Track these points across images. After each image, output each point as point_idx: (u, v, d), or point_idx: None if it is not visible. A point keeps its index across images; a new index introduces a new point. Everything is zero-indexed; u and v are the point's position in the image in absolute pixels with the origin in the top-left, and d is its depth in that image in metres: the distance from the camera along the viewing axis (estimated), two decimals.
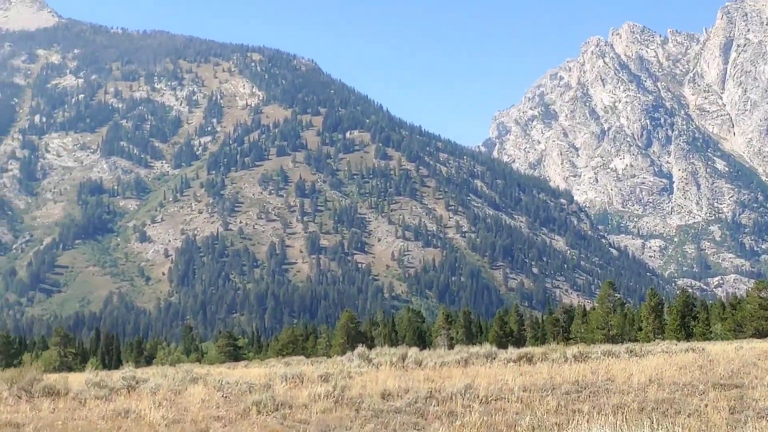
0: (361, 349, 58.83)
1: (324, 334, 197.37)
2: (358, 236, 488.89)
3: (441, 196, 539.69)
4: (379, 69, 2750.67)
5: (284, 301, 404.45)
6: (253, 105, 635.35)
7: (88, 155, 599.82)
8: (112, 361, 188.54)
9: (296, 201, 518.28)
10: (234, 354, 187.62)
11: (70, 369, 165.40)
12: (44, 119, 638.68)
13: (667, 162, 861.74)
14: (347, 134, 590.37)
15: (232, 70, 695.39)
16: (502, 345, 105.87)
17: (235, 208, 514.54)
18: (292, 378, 40.35)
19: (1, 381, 38.96)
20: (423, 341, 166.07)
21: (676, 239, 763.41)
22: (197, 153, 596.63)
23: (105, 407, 31.19)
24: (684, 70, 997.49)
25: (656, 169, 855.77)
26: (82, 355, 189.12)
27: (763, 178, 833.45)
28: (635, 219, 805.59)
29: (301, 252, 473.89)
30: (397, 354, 54.05)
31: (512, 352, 54.89)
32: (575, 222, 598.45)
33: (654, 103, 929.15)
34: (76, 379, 46.01)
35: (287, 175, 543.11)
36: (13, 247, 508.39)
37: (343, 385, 34.10)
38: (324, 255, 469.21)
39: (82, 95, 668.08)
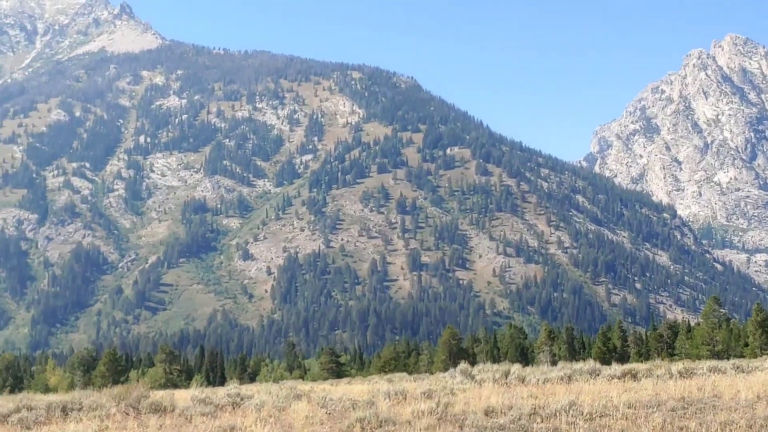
0: (463, 365, 58.58)
1: (426, 350, 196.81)
2: (459, 252, 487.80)
3: (542, 212, 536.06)
4: (479, 85, 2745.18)
5: (386, 317, 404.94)
6: (353, 123, 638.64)
7: (191, 174, 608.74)
8: (216, 378, 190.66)
9: (397, 218, 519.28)
10: (336, 371, 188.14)
11: (175, 386, 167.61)
12: (149, 140, 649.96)
13: None
14: (447, 150, 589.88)
15: (333, 88, 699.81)
16: (605, 361, 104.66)
17: (337, 226, 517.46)
18: (395, 395, 40.36)
19: (109, 397, 39.72)
20: (525, 358, 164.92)
21: None
22: (299, 171, 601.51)
23: (210, 424, 31.56)
24: None
25: (761, 183, 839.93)
26: (187, 372, 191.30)
27: None
28: (740, 233, 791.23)
29: (403, 269, 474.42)
30: (499, 370, 53.74)
31: (616, 368, 54.17)
32: (678, 237, 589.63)
33: (758, 116, 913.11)
34: (181, 396, 46.66)
35: (388, 192, 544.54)
36: (119, 265, 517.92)
37: (446, 401, 34.05)
38: (425, 271, 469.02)
39: (186, 115, 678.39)
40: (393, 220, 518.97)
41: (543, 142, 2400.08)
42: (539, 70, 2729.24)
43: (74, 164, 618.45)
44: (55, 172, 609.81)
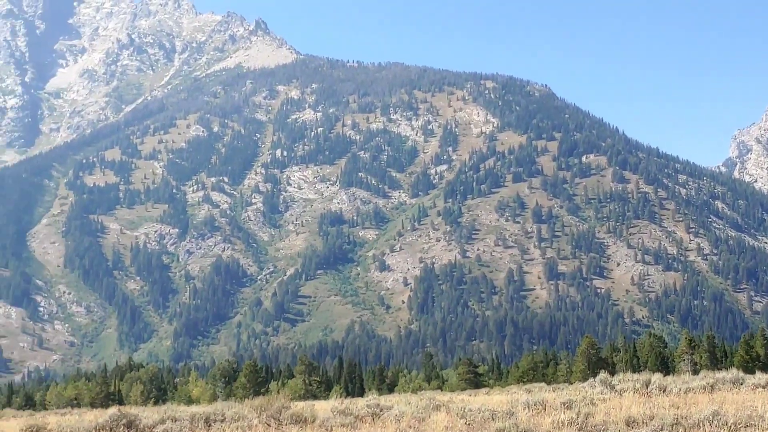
0: (603, 375, 58.09)
1: (564, 360, 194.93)
2: (597, 261, 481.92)
3: (681, 219, 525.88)
4: (614, 92, 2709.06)
5: (523, 327, 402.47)
6: (487, 132, 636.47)
7: (327, 187, 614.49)
8: (355, 389, 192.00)
9: (533, 227, 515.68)
10: (474, 381, 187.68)
11: (315, 397, 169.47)
12: (285, 153, 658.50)
13: None
14: (583, 158, 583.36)
15: (467, 98, 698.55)
16: (748, 370, 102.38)
17: (473, 236, 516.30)
18: (534, 405, 40.30)
19: (250, 409, 40.54)
20: (665, 367, 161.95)
21: None
22: (434, 182, 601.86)
23: None
24: None
25: None
26: (326, 383, 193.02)
27: None
28: None
29: (540, 278, 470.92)
30: (640, 380, 53.15)
31: (760, 377, 53.09)
32: None
33: None
34: (321, 407, 47.28)
35: (523, 201, 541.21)
36: (258, 278, 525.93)
37: (586, 412, 33.89)
38: (562, 281, 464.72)
39: (321, 128, 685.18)
40: (529, 230, 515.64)
41: (680, 148, 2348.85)
42: (674, 75, 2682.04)
43: (213, 179, 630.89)
44: (195, 186, 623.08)
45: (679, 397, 43.51)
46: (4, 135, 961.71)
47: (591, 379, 59.81)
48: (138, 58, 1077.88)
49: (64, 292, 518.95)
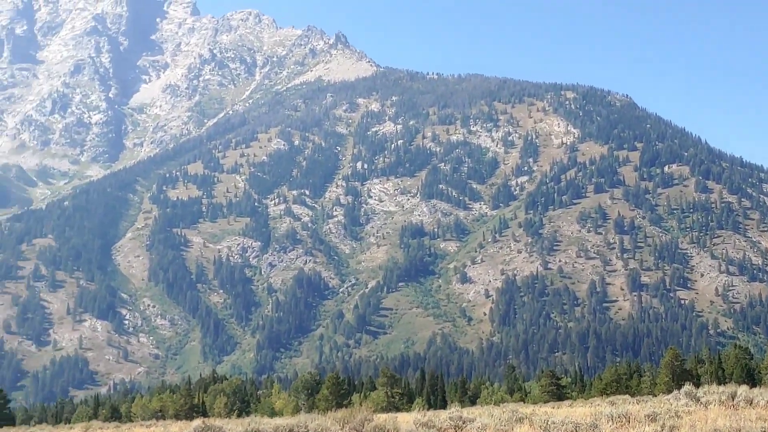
0: (687, 387, 57.63)
1: (648, 372, 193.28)
2: (680, 272, 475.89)
3: (765, 229, 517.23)
4: (695, 101, 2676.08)
5: (606, 339, 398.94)
6: (568, 143, 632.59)
7: (408, 199, 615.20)
8: (437, 401, 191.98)
9: (615, 238, 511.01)
10: (557, 393, 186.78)
11: (397, 409, 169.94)
12: (366, 166, 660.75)
13: None
14: (665, 168, 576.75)
15: (547, 109, 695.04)
16: None
17: (554, 247, 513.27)
18: (618, 417, 40.20)
19: (333, 421, 40.99)
20: (752, 379, 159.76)
21: None
22: (514, 193, 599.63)
23: None
24: None
25: None
26: (409, 395, 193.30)
27: None
28: None
29: (622, 289, 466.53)
30: (725, 392, 52.66)
31: None
32: None
33: None
34: (404, 419, 47.54)
35: (605, 212, 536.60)
36: (340, 290, 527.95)
37: (671, 424, 33.79)
38: (645, 292, 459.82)
39: (401, 141, 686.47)
40: (611, 241, 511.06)
41: (764, 157, 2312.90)
42: (758, 83, 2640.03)
43: (294, 192, 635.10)
44: (277, 200, 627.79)
45: (767, 410, 43.03)
46: (89, 150, 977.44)
47: (675, 391, 59.33)
48: (219, 73, 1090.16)
49: (149, 305, 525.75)
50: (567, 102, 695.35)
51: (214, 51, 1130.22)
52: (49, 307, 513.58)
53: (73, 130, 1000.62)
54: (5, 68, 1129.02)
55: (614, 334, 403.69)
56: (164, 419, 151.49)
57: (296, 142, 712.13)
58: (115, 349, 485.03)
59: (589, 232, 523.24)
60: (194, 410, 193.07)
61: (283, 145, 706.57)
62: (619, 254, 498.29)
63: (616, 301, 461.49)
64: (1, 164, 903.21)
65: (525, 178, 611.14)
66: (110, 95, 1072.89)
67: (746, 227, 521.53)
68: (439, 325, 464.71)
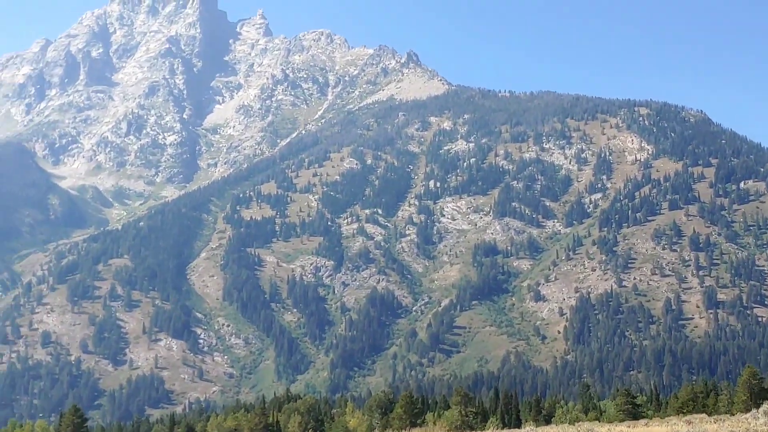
0: (766, 406, 58.41)
1: (725, 390, 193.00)
2: (758, 289, 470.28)
3: None
4: None
5: (682, 357, 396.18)
6: (642, 160, 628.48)
7: (481, 217, 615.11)
8: (511, 420, 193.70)
9: (691, 255, 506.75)
10: (633, 412, 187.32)
11: (471, 428, 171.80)
12: (438, 184, 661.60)
13: None
14: (741, 185, 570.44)
15: (620, 125, 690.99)
16: None
17: (629, 265, 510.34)
18: None
19: None
20: None
21: None
22: (588, 210, 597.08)
23: None
24: None
25: None
26: (482, 414, 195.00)
27: None
28: None
29: (698, 307, 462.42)
30: None
31: None
32: None
33: None
34: None
35: (680, 229, 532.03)
36: (413, 309, 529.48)
37: None
38: (722, 309, 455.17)
39: (473, 159, 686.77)
40: (686, 258, 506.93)
41: None
42: None
43: (367, 211, 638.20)
44: (349, 219, 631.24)
45: None
46: (164, 171, 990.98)
47: (753, 410, 60.21)
48: (292, 93, 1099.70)
49: (223, 324, 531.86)
50: (640, 118, 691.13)
51: (287, 71, 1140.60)
52: (125, 327, 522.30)
53: (148, 151, 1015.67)
54: (81, 91, 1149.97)
55: (690, 352, 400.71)
56: None
57: (369, 161, 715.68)
58: (190, 368, 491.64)
59: (663, 249, 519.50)
60: (269, 429, 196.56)
61: (356, 164, 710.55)
62: (694, 271, 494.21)
63: (691, 318, 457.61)
64: (78, 185, 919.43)
65: (599, 195, 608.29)
66: (184, 116, 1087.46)
67: None
68: (512, 343, 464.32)
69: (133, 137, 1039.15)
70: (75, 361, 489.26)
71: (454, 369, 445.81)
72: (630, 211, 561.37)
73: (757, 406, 58.98)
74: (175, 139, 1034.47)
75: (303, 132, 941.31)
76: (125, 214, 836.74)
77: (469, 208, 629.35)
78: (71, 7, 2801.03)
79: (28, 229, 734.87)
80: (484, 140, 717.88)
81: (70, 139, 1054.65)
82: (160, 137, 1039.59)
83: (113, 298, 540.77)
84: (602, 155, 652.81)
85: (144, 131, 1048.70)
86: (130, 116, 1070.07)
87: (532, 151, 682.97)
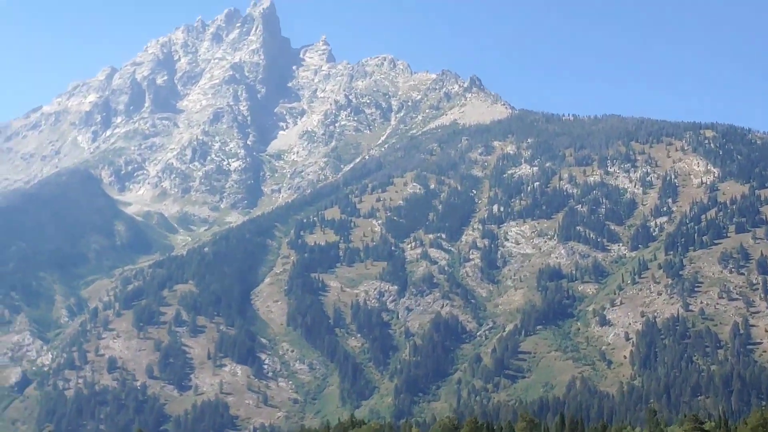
0: None
1: None
2: None
3: None
4: None
5: (750, 382, 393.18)
6: (708, 183, 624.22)
7: (545, 241, 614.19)
8: None
9: (758, 279, 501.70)
10: None
11: None
12: (502, 208, 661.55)
13: None
14: None
15: (685, 148, 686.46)
16: None
17: (695, 289, 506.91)
18: None
19: None
20: None
21: None
22: (654, 234, 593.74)
23: None
24: None
25: None
26: None
27: None
28: None
29: (766, 331, 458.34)
30: None
31: None
32: None
33: None
34: None
35: (748, 252, 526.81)
36: (478, 334, 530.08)
37: None
38: None
39: (537, 183, 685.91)
40: (754, 281, 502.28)
41: None
42: None
43: (431, 236, 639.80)
44: (413, 243, 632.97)
45: None
46: (228, 197, 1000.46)
47: None
48: (355, 119, 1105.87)
49: (288, 349, 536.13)
50: (706, 141, 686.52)
51: (350, 97, 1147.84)
52: (190, 352, 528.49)
53: (212, 177, 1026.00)
54: (147, 118, 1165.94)
55: (759, 378, 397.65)
56: None
57: (432, 186, 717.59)
58: (255, 393, 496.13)
59: (731, 272, 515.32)
60: None
61: (419, 189, 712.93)
62: (762, 295, 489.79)
63: (760, 343, 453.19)
64: (144, 212, 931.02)
65: (664, 218, 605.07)
66: (248, 142, 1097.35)
67: None
68: (578, 368, 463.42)
69: (197, 163, 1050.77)
70: (141, 386, 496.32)
71: (519, 394, 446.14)
72: (696, 235, 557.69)
73: None
74: (239, 165, 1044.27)
75: (366, 157, 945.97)
76: (190, 239, 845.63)
77: (534, 232, 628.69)
78: (137, 35, 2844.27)
79: (94, 255, 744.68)
80: (547, 164, 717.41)
81: (135, 165, 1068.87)
82: (225, 163, 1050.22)
83: (178, 324, 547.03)
84: (668, 178, 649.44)
85: (208, 157, 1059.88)
86: (195, 143, 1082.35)
87: (597, 174, 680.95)
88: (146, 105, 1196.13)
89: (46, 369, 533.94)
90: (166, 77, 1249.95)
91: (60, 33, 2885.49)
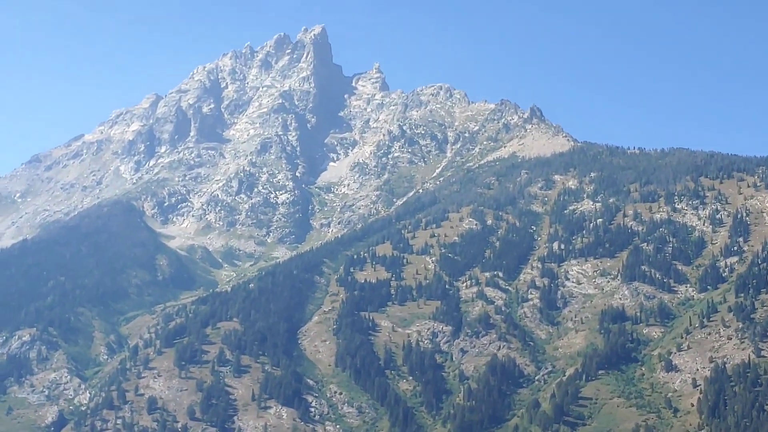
0: None
1: None
2: None
3: None
4: None
5: None
6: None
7: (608, 281, 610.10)
8: None
9: None
10: None
11: None
12: (563, 246, 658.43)
13: None
14: None
15: (758, 184, 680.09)
16: None
17: (767, 333, 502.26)
18: None
19: None
20: None
21: None
22: (723, 275, 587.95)
23: None
24: None
25: None
26: None
27: None
28: None
29: None
30: None
31: None
32: None
33: None
34: None
35: None
36: (536, 378, 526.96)
37: None
38: None
39: (600, 219, 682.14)
40: None
41: None
42: None
43: (487, 274, 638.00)
44: (468, 282, 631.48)
45: None
46: (275, 231, 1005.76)
47: None
48: (409, 150, 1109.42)
49: (336, 392, 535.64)
50: None
51: (404, 127, 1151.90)
52: (233, 393, 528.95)
53: (259, 210, 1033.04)
54: (192, 147, 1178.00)
55: None
56: None
57: (489, 222, 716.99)
58: None
59: None
60: None
61: (476, 224, 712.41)
62: None
63: None
64: (187, 245, 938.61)
65: (735, 258, 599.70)
66: (297, 174, 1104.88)
67: None
68: (642, 416, 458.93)
69: (244, 196, 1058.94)
70: (182, 428, 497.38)
71: None
72: None
73: None
74: (288, 198, 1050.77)
75: (420, 191, 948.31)
76: (235, 275, 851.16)
77: (596, 271, 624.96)
78: (182, 61, 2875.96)
79: (135, 290, 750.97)
80: (611, 200, 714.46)
81: (179, 197, 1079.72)
82: (272, 196, 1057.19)
83: (222, 363, 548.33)
84: (739, 216, 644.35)
85: (255, 189, 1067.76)
86: (242, 174, 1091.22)
87: (664, 211, 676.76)
88: (191, 134, 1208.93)
89: (83, 408, 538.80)
90: (212, 105, 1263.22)
91: (104, 59, 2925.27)
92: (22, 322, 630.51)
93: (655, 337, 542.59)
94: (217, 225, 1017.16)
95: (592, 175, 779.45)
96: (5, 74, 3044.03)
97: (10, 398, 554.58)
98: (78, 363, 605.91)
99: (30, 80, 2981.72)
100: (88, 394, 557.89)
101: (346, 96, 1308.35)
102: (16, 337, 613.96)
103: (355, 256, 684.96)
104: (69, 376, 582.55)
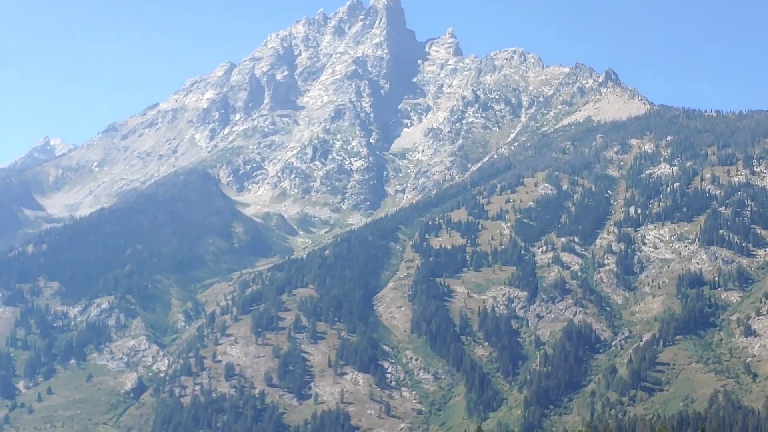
0: None
1: None
2: None
3: None
4: None
5: None
6: None
7: (686, 246, 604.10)
8: None
9: None
10: None
11: None
12: (639, 210, 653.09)
13: None
14: None
15: None
16: None
17: None
18: None
19: None
20: None
21: None
22: None
23: None
24: None
25: None
26: None
27: None
28: None
29: None
30: None
31: None
32: None
33: None
34: None
35: None
36: (612, 344, 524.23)
37: None
38: None
39: (677, 183, 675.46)
40: None
41: None
42: None
43: (563, 239, 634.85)
44: (544, 248, 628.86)
45: None
46: (350, 198, 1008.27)
47: None
48: (483, 115, 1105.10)
49: (411, 358, 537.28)
50: None
51: (478, 92, 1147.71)
52: (310, 360, 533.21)
53: (333, 177, 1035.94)
54: (266, 115, 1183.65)
55: None
56: None
57: (564, 187, 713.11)
58: (377, 403, 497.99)
59: None
60: None
61: (551, 189, 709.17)
62: None
63: None
64: (263, 213, 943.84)
65: None
66: (371, 141, 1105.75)
67: None
68: (720, 381, 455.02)
69: (318, 163, 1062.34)
70: (259, 394, 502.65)
71: (657, 408, 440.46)
72: None
73: None
74: (362, 165, 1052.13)
75: (495, 156, 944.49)
76: (310, 242, 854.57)
77: (673, 236, 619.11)
78: (256, 29, 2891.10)
79: (212, 258, 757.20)
80: (688, 163, 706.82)
81: (254, 165, 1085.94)
82: (347, 163, 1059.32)
83: (298, 330, 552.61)
84: None
85: (330, 156, 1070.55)
86: (316, 141, 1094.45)
87: (742, 174, 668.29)
88: (265, 102, 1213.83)
89: (162, 375, 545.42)
90: (286, 72, 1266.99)
91: (178, 29, 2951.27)
92: (101, 290, 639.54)
93: (734, 301, 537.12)
94: (292, 192, 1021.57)
95: (669, 138, 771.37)
96: (81, 44, 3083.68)
97: (89, 365, 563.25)
98: (156, 330, 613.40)
99: (106, 50, 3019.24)
100: (167, 361, 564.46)
101: (419, 61, 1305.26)
102: (95, 305, 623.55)
103: (430, 222, 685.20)
104: (147, 343, 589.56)
